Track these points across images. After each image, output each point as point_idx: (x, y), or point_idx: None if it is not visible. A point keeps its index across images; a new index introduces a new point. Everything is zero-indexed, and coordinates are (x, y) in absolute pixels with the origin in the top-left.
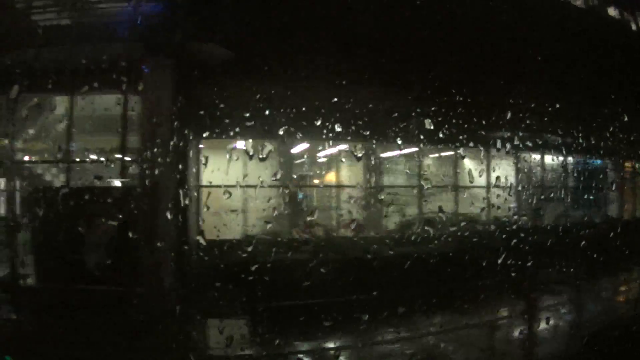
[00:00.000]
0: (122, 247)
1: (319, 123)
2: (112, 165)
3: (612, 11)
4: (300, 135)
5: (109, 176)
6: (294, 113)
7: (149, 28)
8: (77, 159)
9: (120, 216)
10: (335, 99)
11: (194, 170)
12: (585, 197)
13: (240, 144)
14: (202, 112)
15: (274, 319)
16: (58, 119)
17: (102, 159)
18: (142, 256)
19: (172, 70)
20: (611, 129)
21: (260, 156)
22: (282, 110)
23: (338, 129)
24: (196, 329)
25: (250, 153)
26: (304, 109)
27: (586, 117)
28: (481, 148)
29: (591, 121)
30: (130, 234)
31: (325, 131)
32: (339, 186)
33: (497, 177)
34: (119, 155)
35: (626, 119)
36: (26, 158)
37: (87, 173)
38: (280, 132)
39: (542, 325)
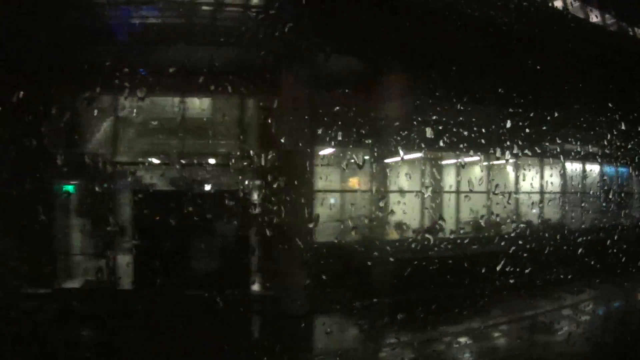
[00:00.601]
0: (258, 251)
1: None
2: (245, 169)
3: None
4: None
5: (238, 180)
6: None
7: (282, 37)
8: (196, 162)
9: (253, 220)
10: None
11: (321, 176)
12: None
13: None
14: (322, 123)
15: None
16: (175, 122)
17: (228, 162)
18: (274, 259)
19: (305, 79)
20: None
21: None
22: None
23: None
24: (332, 326)
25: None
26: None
27: None
28: None
29: None
30: (264, 238)
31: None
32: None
33: None
34: (244, 159)
35: None
36: (144, 161)
37: (208, 177)
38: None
39: None
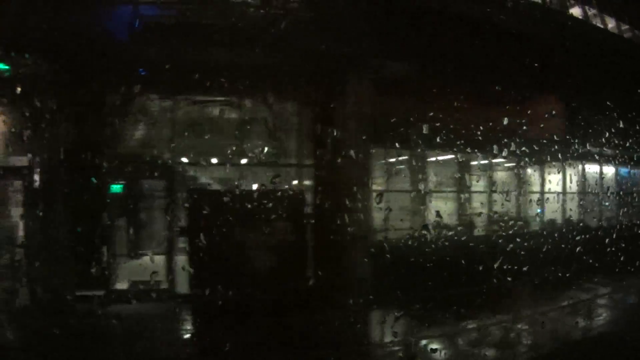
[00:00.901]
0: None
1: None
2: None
3: None
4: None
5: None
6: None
7: (346, 43)
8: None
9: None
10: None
11: (378, 176)
12: None
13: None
14: (385, 124)
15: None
16: (237, 122)
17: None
18: (332, 254)
19: (368, 84)
20: None
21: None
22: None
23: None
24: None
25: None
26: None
27: None
28: None
29: None
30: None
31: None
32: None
33: None
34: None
35: None
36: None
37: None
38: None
39: None
